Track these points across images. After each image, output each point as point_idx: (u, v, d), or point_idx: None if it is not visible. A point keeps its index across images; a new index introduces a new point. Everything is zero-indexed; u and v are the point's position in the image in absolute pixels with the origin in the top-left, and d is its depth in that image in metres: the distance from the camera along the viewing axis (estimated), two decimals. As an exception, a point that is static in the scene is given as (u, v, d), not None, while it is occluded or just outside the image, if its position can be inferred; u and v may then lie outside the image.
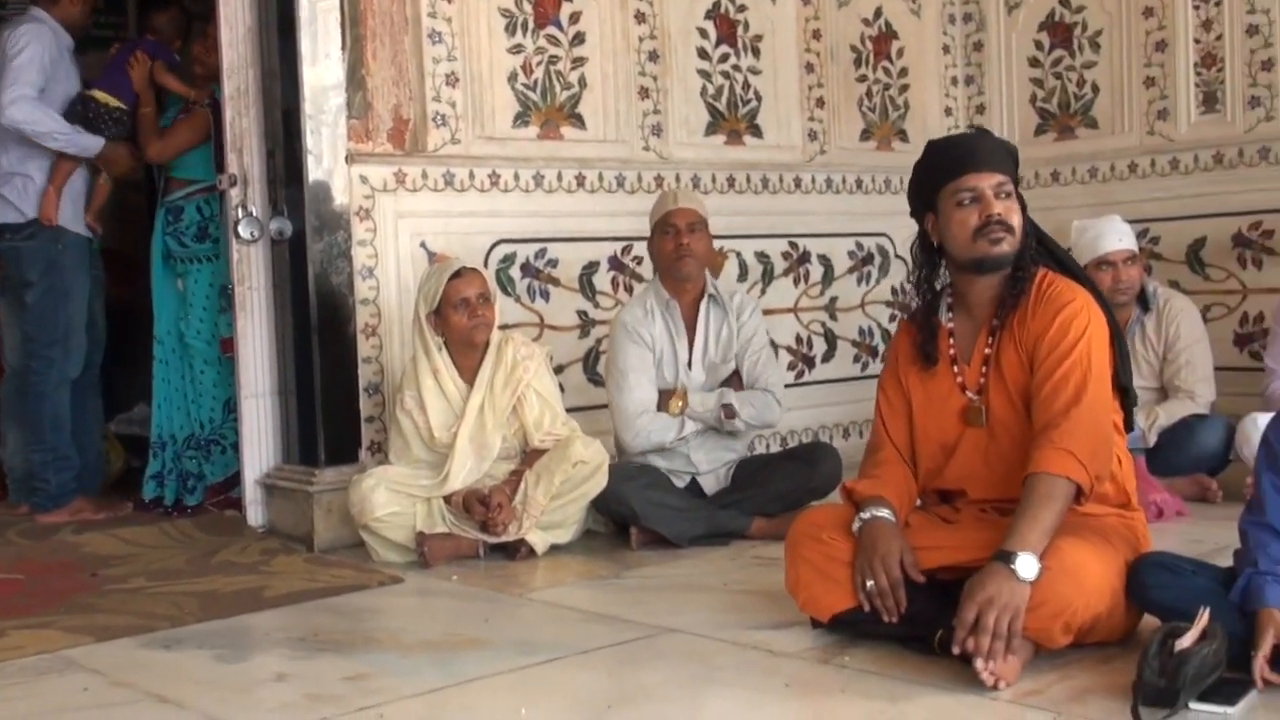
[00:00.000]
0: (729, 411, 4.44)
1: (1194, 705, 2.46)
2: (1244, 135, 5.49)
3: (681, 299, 4.55)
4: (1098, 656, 2.81)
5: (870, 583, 2.90)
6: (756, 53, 5.79)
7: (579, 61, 5.26)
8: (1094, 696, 2.59)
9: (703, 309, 4.57)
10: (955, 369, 3.12)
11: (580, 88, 5.27)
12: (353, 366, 4.65)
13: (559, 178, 5.18)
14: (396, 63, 4.79)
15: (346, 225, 4.62)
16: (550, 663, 3.02)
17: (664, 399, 4.49)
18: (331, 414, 4.60)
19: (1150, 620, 2.83)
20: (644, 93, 5.43)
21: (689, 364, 4.53)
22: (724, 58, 5.69)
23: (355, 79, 4.68)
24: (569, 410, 4.56)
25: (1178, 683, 2.44)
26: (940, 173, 3.06)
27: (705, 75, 5.63)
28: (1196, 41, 5.63)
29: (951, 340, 3.14)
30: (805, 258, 5.97)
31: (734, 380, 4.57)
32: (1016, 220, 3.02)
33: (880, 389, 3.28)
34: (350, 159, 4.64)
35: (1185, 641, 2.49)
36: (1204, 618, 2.55)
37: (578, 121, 5.26)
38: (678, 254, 4.45)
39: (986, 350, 3.07)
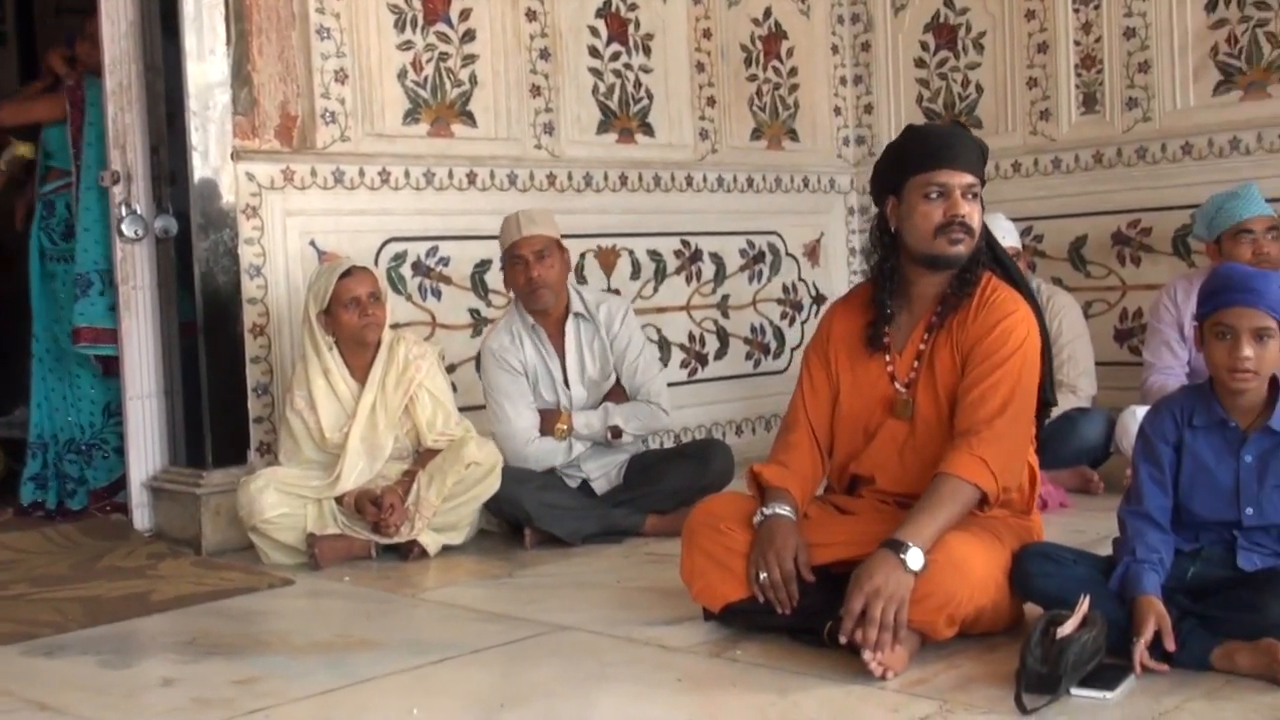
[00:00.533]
0: (615, 431, 4.45)
1: (1075, 691, 2.51)
2: (1122, 135, 5.63)
3: (545, 321, 4.49)
4: (983, 646, 2.87)
5: (764, 575, 2.92)
6: (648, 51, 5.81)
7: (470, 59, 5.24)
8: (979, 685, 2.64)
9: (569, 328, 4.51)
10: (888, 358, 3.13)
11: (471, 85, 5.24)
12: (240, 366, 4.58)
13: (450, 176, 5.15)
14: (284, 58, 4.72)
15: (233, 223, 4.55)
16: (443, 662, 3.01)
17: (546, 420, 4.46)
18: (219, 415, 4.53)
19: (1034, 609, 2.88)
20: (535, 91, 5.42)
21: (566, 383, 4.50)
22: (615, 56, 5.70)
23: (241, 75, 4.61)
24: (462, 410, 4.54)
25: (1059, 669, 2.50)
26: (913, 161, 3.03)
27: (597, 74, 5.64)
28: (1076, 44, 5.76)
29: (888, 330, 3.14)
30: (697, 256, 6.01)
31: (617, 390, 4.55)
32: (978, 223, 3.03)
33: (805, 367, 3.26)
34: (236, 156, 4.58)
35: (1066, 629, 2.55)
36: (1084, 605, 2.61)
37: (469, 119, 5.24)
38: (530, 288, 4.37)
39: (921, 345, 3.09)
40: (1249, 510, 2.80)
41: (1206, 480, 2.84)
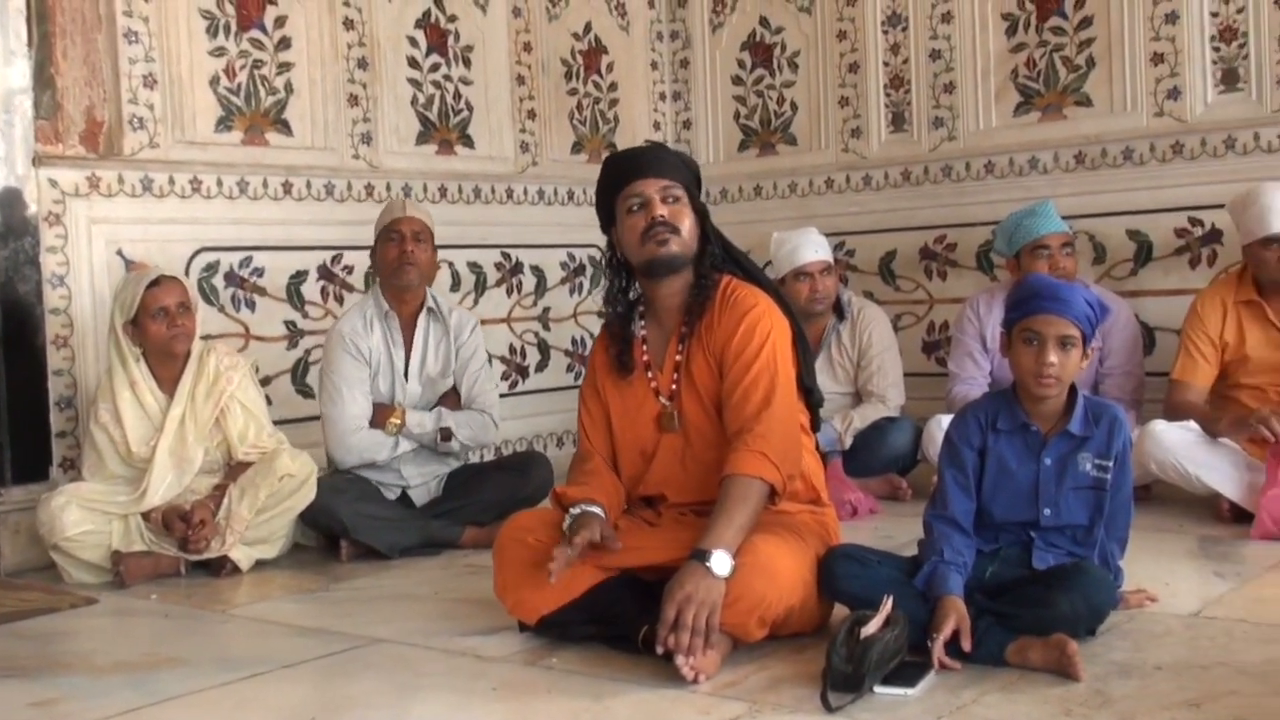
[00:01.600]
0: (446, 434, 4.43)
1: (878, 688, 2.59)
2: (929, 154, 5.82)
3: (401, 310, 4.51)
4: (792, 647, 2.93)
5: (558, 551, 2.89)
6: (467, 63, 5.81)
7: (285, 66, 5.16)
8: (787, 685, 2.70)
9: (421, 322, 4.54)
10: (649, 375, 3.20)
11: (287, 93, 5.17)
12: (42, 379, 4.43)
13: (265, 185, 5.07)
14: (89, 62, 4.59)
15: (34, 231, 4.41)
16: (253, 678, 2.95)
17: (379, 414, 4.43)
18: (19, 430, 4.37)
19: (842, 610, 2.96)
20: (353, 100, 5.37)
21: (405, 376, 4.49)
22: (435, 67, 5.68)
23: (44, 78, 4.47)
24: (276, 423, 4.47)
25: (863, 668, 2.56)
26: (613, 183, 3.15)
27: (416, 84, 5.61)
28: (886, 64, 5.94)
29: (645, 348, 3.22)
30: (518, 268, 6.02)
31: (451, 397, 4.56)
32: (686, 223, 3.10)
33: (581, 401, 3.34)
34: (39, 161, 4.43)
35: (870, 628, 2.63)
36: (888, 606, 2.69)
37: (284, 128, 5.16)
38: (400, 261, 4.41)
39: (677, 357, 3.17)
40: (1047, 510, 2.94)
41: (1008, 483, 2.97)
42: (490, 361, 5.63)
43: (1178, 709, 2.43)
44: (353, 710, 2.70)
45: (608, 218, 3.20)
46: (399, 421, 4.40)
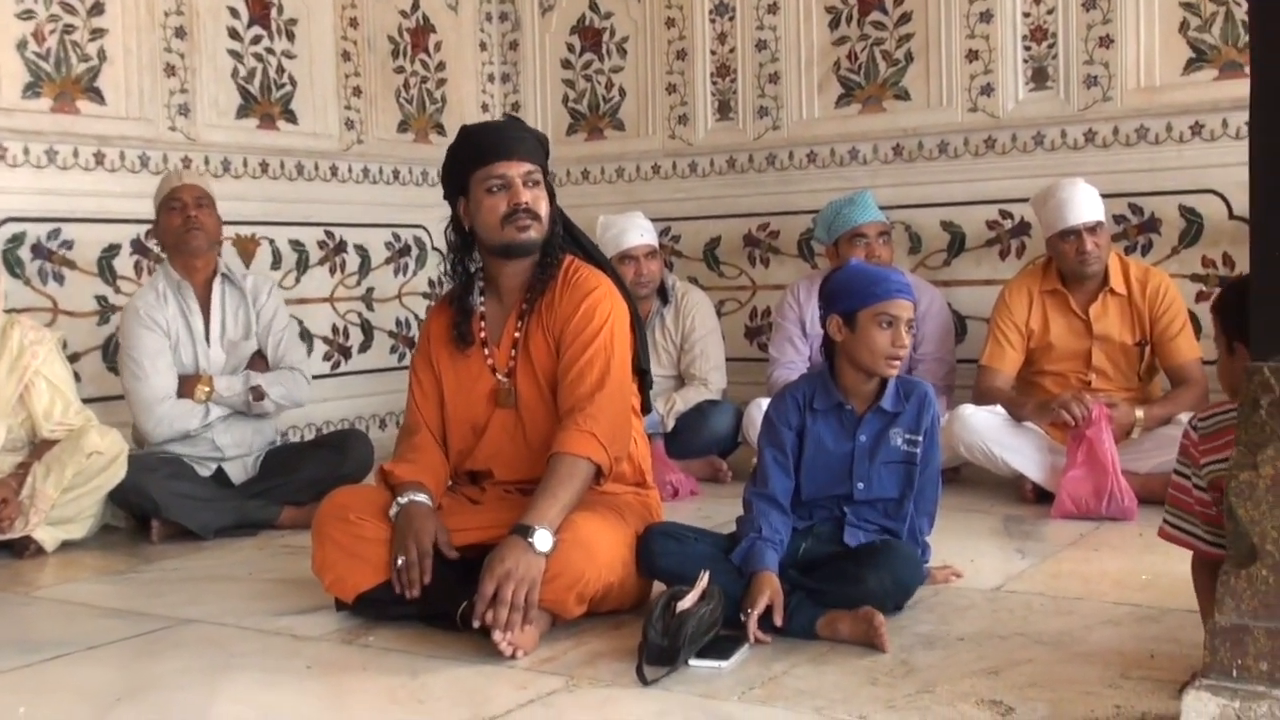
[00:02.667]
0: (258, 393, 4.35)
1: (693, 662, 2.63)
2: (753, 143, 5.91)
3: (193, 279, 4.42)
4: (610, 623, 2.96)
5: (401, 559, 2.92)
6: (291, 37, 5.69)
7: (98, 33, 4.99)
8: (604, 660, 2.72)
9: (216, 288, 4.46)
10: (486, 351, 3.20)
11: (100, 60, 4.99)
12: None
13: (75, 154, 4.90)
14: (-114, 20, 4.38)
15: None
16: (55, 660, 2.85)
17: (186, 385, 4.33)
18: None
19: (661, 587, 2.99)
20: (170, 70, 5.22)
21: (207, 343, 4.40)
22: (256, 39, 5.55)
23: None
24: (86, 401, 4.32)
25: (678, 641, 2.60)
26: (471, 158, 3.12)
27: (237, 56, 5.48)
28: (713, 53, 6.01)
29: (483, 323, 3.22)
30: (342, 247, 5.93)
31: (258, 362, 4.48)
32: (544, 209, 3.12)
33: (412, 371, 3.32)
34: None
35: (686, 603, 2.67)
36: (703, 581, 2.73)
37: (96, 96, 4.99)
38: (186, 227, 4.33)
39: (516, 334, 3.17)
40: (860, 485, 3.03)
41: (825, 460, 3.05)
42: (303, 339, 5.56)
43: (977, 677, 2.53)
44: (160, 691, 2.63)
45: (458, 188, 3.16)
46: (208, 388, 4.31)
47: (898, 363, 2.99)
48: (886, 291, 2.98)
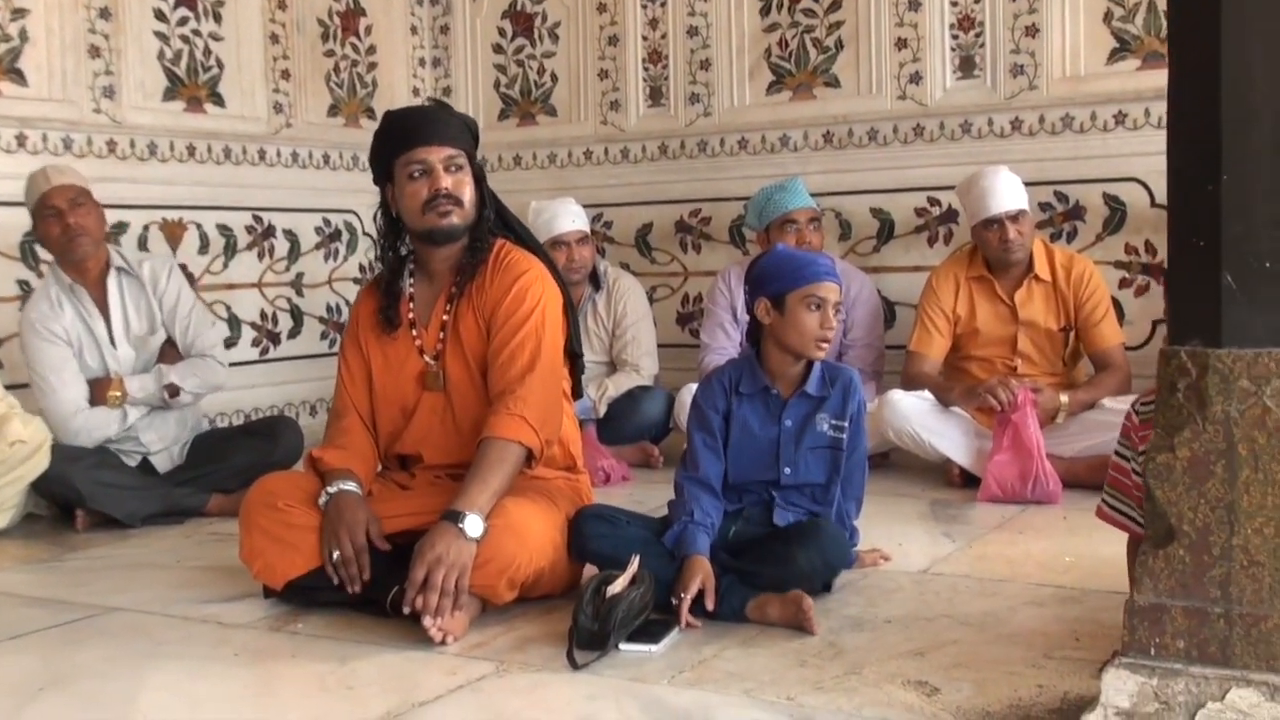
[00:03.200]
0: (172, 390, 4.29)
1: (623, 646, 2.64)
2: (685, 129, 5.92)
3: (85, 280, 4.30)
4: (541, 608, 2.96)
5: (336, 553, 2.91)
6: (218, 19, 5.62)
7: (19, 13, 4.89)
8: (535, 645, 2.73)
9: (112, 284, 4.34)
10: (414, 333, 3.19)
11: (21, 41, 4.90)
12: None
13: (-4, 136, 4.81)
14: None
15: None
16: (-24, 650, 2.82)
17: (97, 390, 4.25)
18: None
19: (592, 572, 3.00)
20: (94, 51, 5.13)
21: (112, 344, 4.31)
22: (183, 21, 5.47)
23: None
24: (8, 388, 4.25)
25: (609, 625, 2.61)
26: (394, 144, 3.11)
27: (163, 38, 5.40)
28: (644, 39, 6.01)
29: (411, 305, 3.21)
30: (270, 232, 5.86)
31: (170, 350, 4.40)
32: (467, 194, 3.10)
33: (341, 354, 3.30)
34: None
35: (616, 587, 2.68)
36: (634, 565, 2.75)
37: (17, 77, 4.90)
38: (68, 235, 4.19)
39: (445, 316, 3.16)
40: (787, 470, 3.05)
41: (751, 444, 3.07)
42: (231, 326, 5.52)
43: (904, 658, 2.56)
44: (85, 680, 2.60)
45: (384, 173, 3.15)
46: (119, 393, 4.24)
47: (826, 344, 3.02)
48: (814, 274, 3.01)
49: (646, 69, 6.02)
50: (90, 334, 4.27)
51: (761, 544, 2.96)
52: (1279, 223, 1.91)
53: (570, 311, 3.25)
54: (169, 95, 5.44)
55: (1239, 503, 1.93)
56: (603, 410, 5.01)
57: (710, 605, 2.80)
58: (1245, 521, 1.92)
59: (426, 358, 3.17)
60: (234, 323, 5.63)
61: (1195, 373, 1.96)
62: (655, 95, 6.01)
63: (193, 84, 5.53)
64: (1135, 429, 2.38)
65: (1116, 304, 4.76)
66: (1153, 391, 2.34)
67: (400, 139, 3.10)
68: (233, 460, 4.29)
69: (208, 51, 5.59)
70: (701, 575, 2.83)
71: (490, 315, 3.10)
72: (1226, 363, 1.93)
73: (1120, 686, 1.98)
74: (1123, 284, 5.02)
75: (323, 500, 3.00)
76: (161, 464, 4.33)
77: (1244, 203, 1.93)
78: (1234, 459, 1.93)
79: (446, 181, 3.06)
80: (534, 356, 3.04)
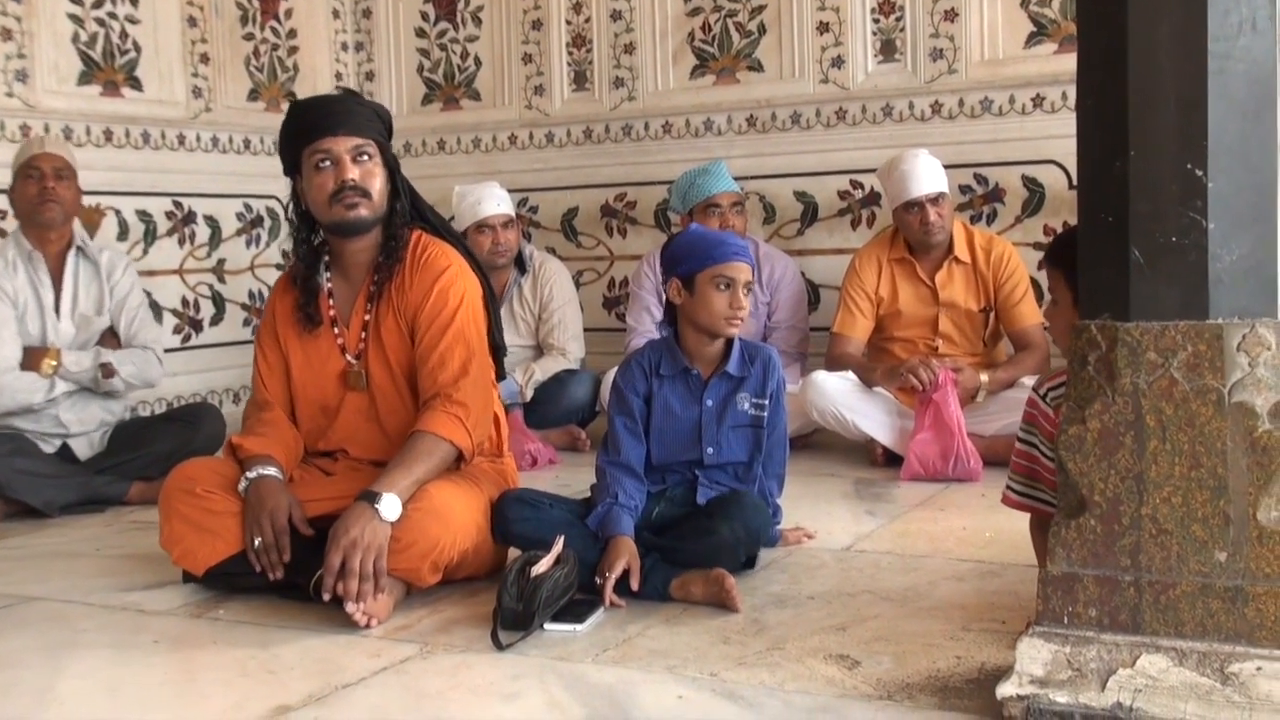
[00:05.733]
0: (108, 370, 4.24)
1: (548, 625, 2.65)
2: (609, 113, 5.91)
3: (46, 250, 4.30)
4: (466, 590, 2.97)
5: (258, 540, 2.88)
6: (134, 2, 5.53)
7: (-72, -5, 4.80)
8: (460, 626, 2.73)
9: (70, 261, 4.34)
10: (336, 331, 3.15)
11: (-70, 23, 4.81)
12: None
13: (-95, 121, 4.71)
14: None
15: None
16: (-112, 642, 2.77)
17: (32, 357, 4.20)
18: None
19: (517, 553, 3.00)
20: (6, 34, 5.03)
21: (57, 315, 4.27)
22: (98, 3, 5.38)
23: None
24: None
25: (533, 605, 2.62)
26: (300, 134, 3.05)
27: (77, 21, 5.30)
28: (568, 23, 6.00)
29: (331, 301, 3.16)
30: (191, 218, 5.79)
31: (109, 339, 4.38)
32: (376, 185, 3.05)
33: (257, 346, 3.25)
34: None
35: (541, 567, 2.69)
36: (558, 545, 2.76)
37: (-73, 60, 4.80)
38: (41, 198, 4.21)
39: (366, 316, 3.12)
40: (709, 449, 3.07)
41: (673, 425, 3.09)
42: (160, 313, 5.45)
43: (826, 633, 2.59)
44: (2, 670, 2.56)
45: (292, 165, 3.10)
46: (55, 362, 4.19)
47: (738, 323, 3.03)
48: (724, 254, 3.02)
49: (570, 53, 6.01)
50: (38, 302, 4.25)
51: (684, 520, 2.98)
52: (1185, 199, 1.95)
53: (491, 302, 3.23)
54: (84, 79, 5.35)
55: (1147, 473, 1.97)
56: (529, 394, 5.00)
57: (634, 585, 2.82)
58: (1153, 491, 1.97)
59: (348, 356, 3.14)
60: (155, 310, 5.54)
61: (1105, 346, 2.00)
62: (579, 79, 6.00)
63: (109, 68, 5.44)
64: (1046, 417, 2.41)
65: (1035, 284, 4.82)
66: (1057, 375, 2.39)
67: (306, 129, 3.04)
68: (154, 447, 4.24)
69: (124, 35, 5.50)
70: (626, 555, 2.85)
71: (413, 318, 3.06)
72: (1135, 335, 1.97)
73: (1034, 655, 2.02)
74: (1041, 265, 5.08)
75: (242, 486, 2.97)
76: (81, 450, 4.27)
77: (1151, 180, 1.97)
78: (1142, 430, 1.97)
79: (354, 172, 3.01)
80: (466, 360, 3.02)
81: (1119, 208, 1.99)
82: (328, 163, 3.01)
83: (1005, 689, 2.03)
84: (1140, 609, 1.98)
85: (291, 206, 3.17)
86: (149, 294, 5.40)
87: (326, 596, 2.73)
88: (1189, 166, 1.94)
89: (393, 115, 3.28)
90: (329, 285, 3.17)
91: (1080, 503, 2.02)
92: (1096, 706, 1.95)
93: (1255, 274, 1.96)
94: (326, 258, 3.18)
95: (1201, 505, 1.94)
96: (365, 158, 3.04)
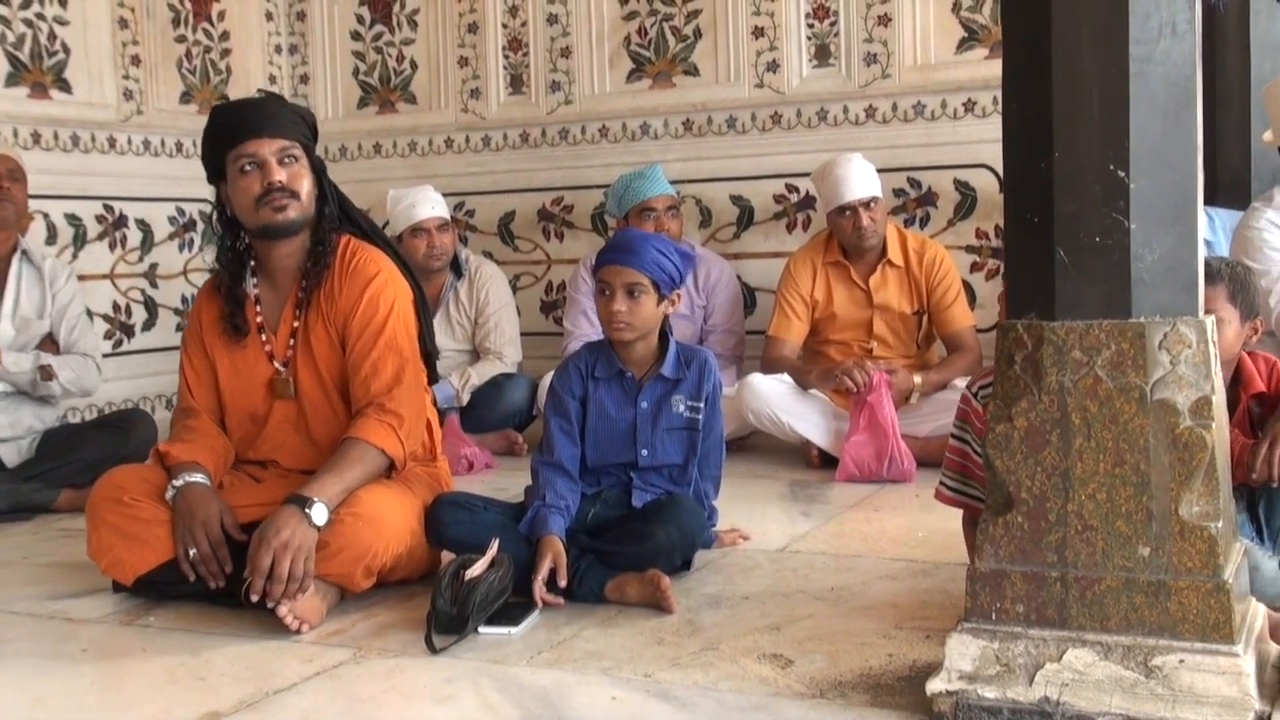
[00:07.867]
0: (47, 372, 4.19)
1: (482, 629, 2.64)
2: (547, 117, 5.91)
3: None
4: (401, 594, 2.95)
5: (194, 551, 2.84)
6: (63, 3, 5.46)
7: None
8: (394, 630, 2.71)
9: (14, 264, 4.31)
10: (264, 338, 3.11)
11: None
12: None
13: None
14: None
15: None
16: None
17: None
18: None
19: (451, 556, 2.99)
20: (-69, 35, 4.96)
21: None
22: (25, 4, 5.31)
23: None
24: None
25: (467, 609, 2.61)
26: (223, 139, 3.01)
27: (4, 21, 5.23)
28: (504, 26, 5.99)
29: (258, 308, 3.12)
30: (122, 222, 5.72)
31: (48, 345, 4.34)
32: (304, 187, 3.02)
33: (183, 353, 3.20)
34: None
35: (475, 571, 2.68)
36: (493, 548, 2.75)
37: None
38: None
39: (295, 323, 3.08)
40: (644, 451, 3.08)
41: (608, 427, 3.09)
42: (91, 318, 5.37)
43: (760, 633, 2.60)
44: (-76, 679, 2.52)
45: (216, 171, 3.06)
46: None
47: (619, 327, 3.02)
48: (602, 259, 3.05)
49: (507, 56, 6.00)
50: None
51: (620, 523, 2.98)
52: (1108, 199, 1.98)
53: (422, 307, 3.21)
54: (12, 81, 5.27)
55: (1073, 470, 2.00)
56: (466, 398, 4.99)
57: (562, 583, 2.81)
58: (1079, 488, 1.99)
59: (276, 364, 3.10)
60: (88, 315, 5.47)
61: (1031, 345, 2.02)
62: (516, 83, 5.99)
63: (37, 69, 5.37)
64: (978, 415, 2.44)
65: (968, 287, 4.88)
66: (987, 374, 2.42)
67: (230, 133, 2.99)
68: (83, 454, 4.17)
69: (53, 36, 5.43)
70: (551, 554, 2.84)
71: (343, 326, 3.03)
72: (1060, 334, 2.00)
73: (963, 651, 2.04)
74: (974, 268, 5.15)
75: (170, 493, 2.92)
76: (9, 457, 4.21)
77: (1074, 180, 2.00)
78: (1068, 428, 2.00)
79: (280, 174, 2.97)
80: (399, 369, 3.00)
81: (1044, 208, 2.02)
82: (253, 166, 2.97)
83: (934, 685, 2.05)
84: (1066, 604, 2.00)
85: (216, 214, 3.13)
86: (79, 299, 5.35)
87: (255, 597, 2.70)
88: (1111, 167, 1.97)
89: (328, 119, 3.27)
90: (255, 292, 3.12)
91: (1007, 500, 2.04)
92: (1024, 701, 1.98)
93: (1176, 273, 1.99)
94: (252, 264, 3.14)
95: (1125, 501, 1.97)
96: (291, 160, 3.00)
